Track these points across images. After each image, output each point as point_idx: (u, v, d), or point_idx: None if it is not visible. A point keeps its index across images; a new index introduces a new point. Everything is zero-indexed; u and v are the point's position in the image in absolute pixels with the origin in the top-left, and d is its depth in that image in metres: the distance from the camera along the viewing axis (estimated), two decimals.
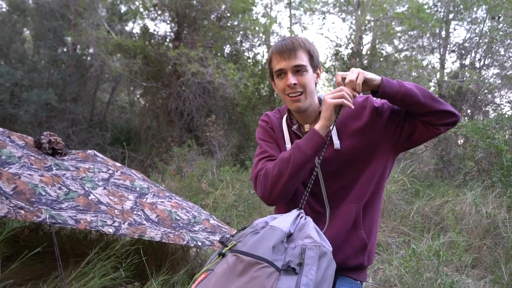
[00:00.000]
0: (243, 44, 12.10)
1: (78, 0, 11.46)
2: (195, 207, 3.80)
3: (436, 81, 10.13)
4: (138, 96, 14.34)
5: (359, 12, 10.00)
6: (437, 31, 10.68)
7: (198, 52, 9.59)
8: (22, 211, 2.41)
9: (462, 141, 9.03)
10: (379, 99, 1.56)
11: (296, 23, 12.59)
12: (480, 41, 10.40)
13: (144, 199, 3.36)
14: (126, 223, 2.84)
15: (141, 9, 11.44)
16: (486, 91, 10.33)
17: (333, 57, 11.35)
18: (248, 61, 11.99)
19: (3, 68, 10.54)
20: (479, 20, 10.67)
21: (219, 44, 10.81)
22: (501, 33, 9.93)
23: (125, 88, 14.37)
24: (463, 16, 10.79)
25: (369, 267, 3.90)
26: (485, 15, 10.47)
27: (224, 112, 11.46)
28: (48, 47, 12.25)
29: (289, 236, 1.26)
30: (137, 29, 13.27)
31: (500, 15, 9.93)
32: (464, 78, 9.35)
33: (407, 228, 4.91)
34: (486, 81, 10.22)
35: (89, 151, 3.74)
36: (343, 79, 1.47)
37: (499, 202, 5.01)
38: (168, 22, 11.65)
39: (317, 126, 1.47)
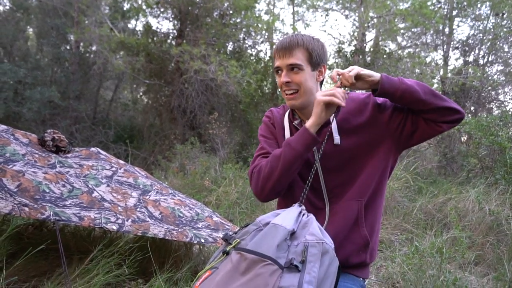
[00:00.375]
0: (246, 42, 12.09)
1: None
2: (198, 204, 3.81)
3: (439, 78, 10.10)
4: (141, 93, 14.36)
5: (362, 9, 9.97)
6: (441, 28, 10.64)
7: (200, 49, 9.58)
8: (26, 208, 2.43)
9: (465, 138, 9.01)
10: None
11: (299, 20, 12.58)
12: (484, 37, 10.36)
13: (148, 196, 3.37)
14: (130, 220, 2.85)
15: (144, 7, 11.44)
16: (489, 88, 10.29)
17: (336, 54, 11.32)
18: (251, 58, 11.97)
19: (7, 66, 10.57)
20: (482, 17, 10.63)
21: (221, 41, 10.80)
22: (505, 29, 9.90)
23: (128, 85, 14.39)
24: (466, 12, 10.75)
25: (372, 264, 3.90)
26: (489, 12, 10.43)
27: (227, 110, 11.46)
28: (51, 45, 12.27)
29: (292, 234, 1.27)
30: (139, 27, 13.29)
31: (504, 11, 9.89)
32: (468, 75, 9.31)
33: (410, 225, 4.91)
34: (489, 78, 10.19)
35: (92, 149, 3.75)
36: (339, 75, 1.48)
37: (502, 199, 5.00)
38: (171, 19, 11.65)
39: (308, 123, 1.49)
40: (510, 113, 7.39)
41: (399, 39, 11.48)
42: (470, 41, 10.72)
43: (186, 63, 9.68)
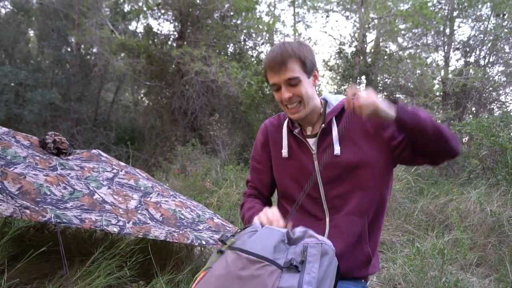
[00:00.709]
0: (247, 43, 12.10)
1: None
2: (199, 206, 3.81)
3: (440, 79, 10.10)
4: (142, 95, 14.38)
5: (362, 10, 9.97)
6: (442, 28, 10.64)
7: (201, 51, 9.59)
8: (28, 211, 2.43)
9: (466, 139, 9.00)
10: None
11: (299, 21, 12.58)
12: (485, 38, 10.36)
13: (149, 198, 3.37)
14: (131, 222, 2.85)
15: (145, 8, 11.45)
16: (490, 88, 10.29)
17: (337, 55, 11.32)
18: (252, 59, 11.98)
19: (8, 68, 10.58)
20: (483, 18, 10.63)
21: (222, 42, 10.81)
22: (505, 30, 9.90)
23: (129, 87, 14.41)
24: (467, 13, 10.75)
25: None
26: (489, 13, 10.42)
27: (228, 111, 11.46)
28: (52, 47, 12.29)
29: (290, 239, 1.27)
30: (140, 29, 13.31)
31: (504, 12, 9.89)
32: (469, 76, 9.30)
33: (411, 226, 4.90)
34: (490, 78, 10.19)
35: (93, 151, 3.75)
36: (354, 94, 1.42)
37: (504, 200, 4.99)
38: (172, 21, 11.66)
39: None
40: (511, 113, 7.38)
41: (400, 40, 11.49)
42: (471, 42, 10.73)
43: (187, 65, 9.69)
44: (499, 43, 10.28)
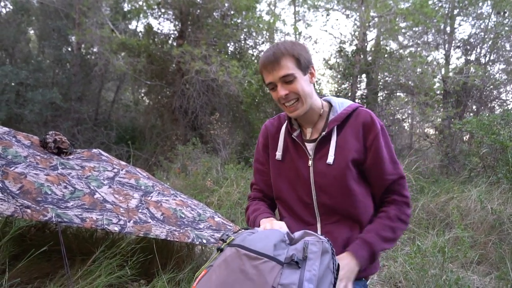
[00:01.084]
0: (247, 42, 12.10)
1: None
2: (200, 205, 3.81)
3: (441, 77, 10.09)
4: (142, 94, 14.38)
5: (363, 9, 9.95)
6: (442, 27, 10.62)
7: (201, 50, 9.59)
8: (29, 210, 2.43)
9: (467, 137, 9.00)
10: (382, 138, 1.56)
11: (299, 20, 12.57)
12: (485, 36, 10.35)
13: (149, 198, 3.37)
14: (132, 222, 2.86)
15: (145, 8, 11.45)
16: (491, 86, 10.28)
17: (337, 54, 11.31)
18: (252, 58, 11.98)
19: (8, 68, 10.59)
20: (484, 16, 10.61)
21: (222, 41, 10.81)
22: (506, 28, 9.88)
23: (130, 86, 14.42)
24: (468, 11, 10.73)
25: None
26: (490, 11, 10.41)
27: (228, 110, 11.46)
28: (52, 47, 12.30)
29: (292, 239, 1.28)
30: (141, 28, 13.31)
31: (505, 10, 9.87)
32: (469, 74, 9.29)
33: (412, 224, 4.91)
34: (491, 76, 10.18)
35: (94, 150, 3.76)
36: None
37: (505, 198, 4.99)
38: (172, 20, 11.66)
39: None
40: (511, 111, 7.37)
41: (401, 38, 11.47)
42: (471, 40, 10.71)
43: (187, 64, 9.69)
44: (499, 41, 10.25)
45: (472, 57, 10.77)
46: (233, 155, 9.12)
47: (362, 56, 10.53)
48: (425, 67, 9.56)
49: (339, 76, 11.31)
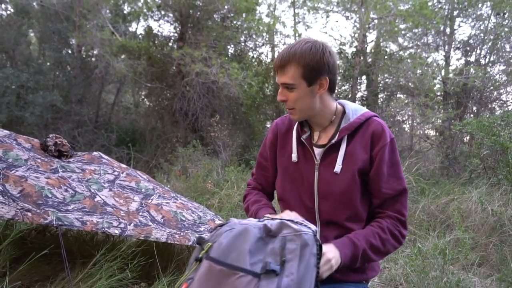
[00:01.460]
0: (247, 44, 12.11)
1: (83, 1, 11.52)
2: (200, 208, 3.81)
3: (441, 79, 10.10)
4: (142, 97, 14.39)
5: (362, 10, 9.96)
6: (442, 28, 10.63)
7: (202, 52, 9.60)
8: (29, 213, 2.44)
9: (467, 138, 9.00)
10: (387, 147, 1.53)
11: (299, 22, 12.58)
12: (485, 37, 10.35)
13: (150, 200, 3.38)
14: (132, 224, 2.86)
15: (145, 10, 11.47)
16: (491, 87, 10.28)
17: (337, 56, 11.31)
18: (252, 60, 12.00)
19: (9, 70, 10.60)
20: (484, 17, 10.61)
21: (222, 44, 10.82)
22: (506, 29, 9.88)
23: (130, 89, 14.42)
24: (467, 13, 10.74)
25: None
26: (490, 12, 10.41)
27: (229, 112, 11.47)
28: (53, 49, 12.31)
29: (270, 231, 1.21)
30: (141, 30, 13.33)
31: (505, 11, 9.87)
32: (469, 75, 9.30)
33: (412, 226, 4.90)
34: (491, 78, 10.18)
35: (94, 153, 3.76)
36: None
37: (505, 200, 4.99)
38: (172, 22, 11.68)
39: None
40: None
41: (400, 40, 11.47)
42: (471, 41, 10.71)
43: (188, 66, 9.70)
44: (499, 42, 10.26)
45: (472, 58, 10.78)
46: (233, 157, 9.12)
47: (362, 58, 10.54)
48: (425, 68, 9.57)
49: (339, 78, 11.32)
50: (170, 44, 11.75)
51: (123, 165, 3.86)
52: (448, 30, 10.92)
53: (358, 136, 1.53)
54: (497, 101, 10.78)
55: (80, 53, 12.72)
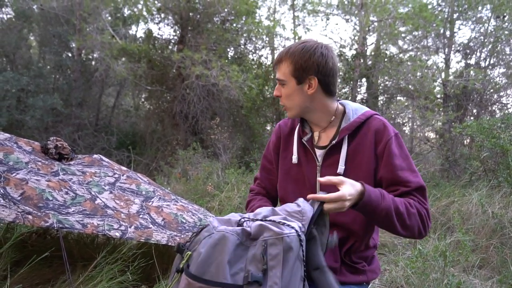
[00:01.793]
0: (247, 47, 12.13)
1: (83, 5, 11.55)
2: (200, 210, 3.82)
3: (441, 81, 10.11)
4: (143, 100, 14.40)
5: (362, 13, 9.98)
6: (442, 31, 10.65)
7: (202, 55, 9.62)
8: (30, 216, 2.44)
9: (467, 141, 9.00)
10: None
11: (299, 25, 12.60)
12: (485, 40, 10.36)
13: (150, 203, 3.38)
14: (133, 227, 2.86)
15: (145, 13, 11.50)
16: (492, 90, 10.28)
17: (337, 59, 11.31)
18: (252, 63, 12.01)
19: (9, 74, 10.62)
20: (483, 20, 10.63)
21: (222, 46, 10.84)
22: (506, 32, 9.90)
23: (130, 92, 14.44)
24: (467, 15, 10.76)
25: None
26: (489, 15, 10.43)
27: (229, 115, 11.48)
28: (53, 53, 12.33)
29: (249, 235, 1.15)
30: (140, 33, 13.34)
31: (505, 14, 9.90)
32: (469, 78, 9.31)
33: None
34: (492, 80, 10.18)
35: (95, 156, 3.77)
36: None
37: (506, 202, 4.99)
38: (172, 25, 11.70)
39: None
40: None
41: (400, 42, 11.49)
42: (471, 43, 10.72)
43: (188, 69, 9.72)
44: (499, 45, 10.27)
45: (472, 61, 10.78)
46: (233, 160, 9.12)
47: (362, 61, 10.55)
48: (425, 71, 9.58)
49: (339, 81, 11.32)
50: (170, 47, 11.76)
51: (124, 168, 3.86)
52: (448, 32, 10.94)
53: (360, 136, 1.52)
54: (497, 103, 10.78)
55: (80, 56, 12.74)
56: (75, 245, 3.67)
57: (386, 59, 10.36)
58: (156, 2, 11.15)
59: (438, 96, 10.28)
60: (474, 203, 5.03)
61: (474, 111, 10.46)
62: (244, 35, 11.56)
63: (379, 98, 11.40)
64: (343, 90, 10.86)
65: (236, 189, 6.33)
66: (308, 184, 1.57)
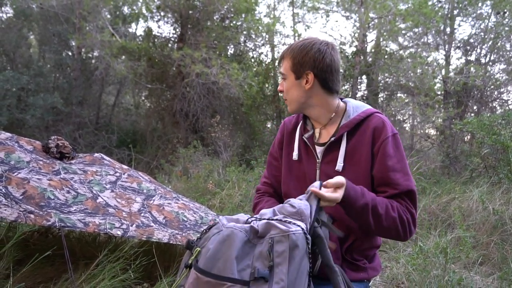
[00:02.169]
0: (247, 44, 12.12)
1: (82, 3, 11.53)
2: (202, 208, 3.82)
3: (441, 78, 10.10)
4: (143, 98, 14.39)
5: (362, 10, 9.97)
6: (442, 27, 10.63)
7: (202, 52, 9.61)
8: (32, 215, 2.45)
9: (468, 137, 9.00)
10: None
11: (299, 22, 12.58)
12: (486, 36, 10.34)
13: (151, 201, 3.39)
14: (134, 225, 2.87)
15: (144, 11, 11.49)
16: (492, 86, 10.27)
17: (337, 56, 11.29)
18: (252, 60, 12.00)
19: (10, 73, 10.62)
20: (484, 16, 10.61)
21: (222, 44, 10.83)
22: (506, 28, 9.88)
23: (130, 90, 14.43)
24: (467, 12, 10.74)
25: None
26: (490, 11, 10.42)
27: (229, 113, 11.48)
28: (53, 52, 12.33)
29: (256, 232, 1.17)
30: (140, 31, 13.33)
31: (505, 10, 9.88)
32: (470, 74, 9.30)
33: None
34: (492, 76, 10.17)
35: (96, 154, 3.77)
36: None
37: (506, 199, 5.00)
38: (172, 23, 11.69)
39: None
40: None
41: (400, 39, 11.47)
42: (471, 40, 10.70)
43: (188, 67, 9.71)
44: (500, 41, 10.25)
45: (472, 58, 10.77)
46: (234, 158, 9.12)
47: (362, 58, 10.54)
48: (425, 67, 9.57)
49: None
50: (170, 45, 11.76)
51: (125, 166, 3.87)
52: (448, 29, 10.92)
53: (359, 133, 1.52)
54: (497, 100, 10.78)
55: (80, 55, 12.73)
56: (77, 243, 3.68)
57: (386, 56, 10.35)
58: (155, 0, 11.14)
59: (439, 92, 10.27)
60: (475, 199, 5.04)
61: (475, 107, 10.45)
62: (244, 32, 11.55)
63: (380, 95, 11.39)
64: (344, 87, 10.85)
65: (237, 187, 6.34)
66: (308, 180, 1.58)
